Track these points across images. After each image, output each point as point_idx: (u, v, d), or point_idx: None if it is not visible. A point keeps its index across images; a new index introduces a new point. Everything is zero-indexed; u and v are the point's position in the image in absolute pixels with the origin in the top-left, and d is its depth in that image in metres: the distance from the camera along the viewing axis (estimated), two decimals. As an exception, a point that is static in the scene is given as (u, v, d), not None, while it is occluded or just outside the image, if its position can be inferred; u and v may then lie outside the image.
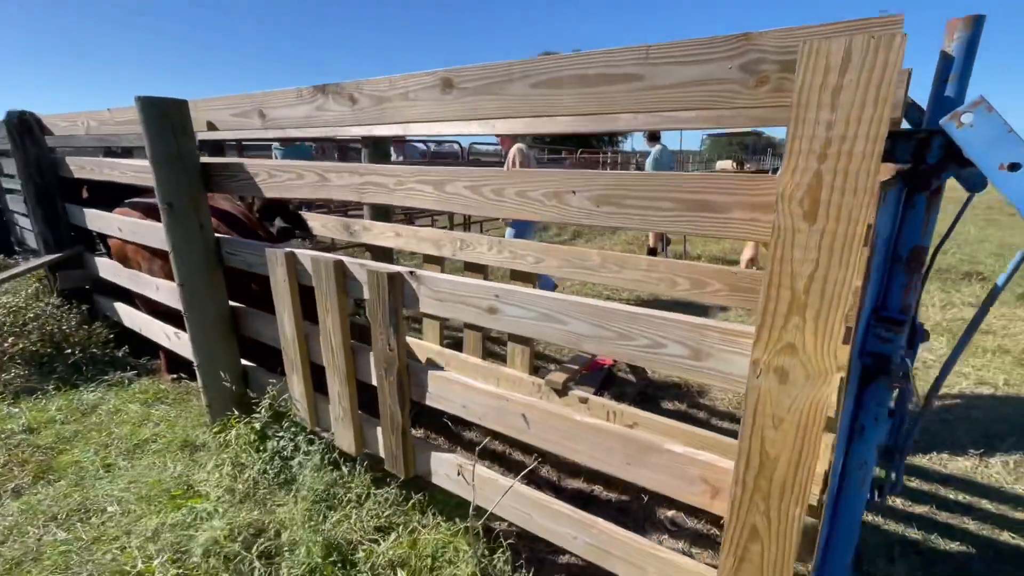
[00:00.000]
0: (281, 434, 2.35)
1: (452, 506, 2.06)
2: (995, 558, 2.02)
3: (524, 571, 1.89)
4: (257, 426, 2.39)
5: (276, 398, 2.40)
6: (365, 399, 2.12)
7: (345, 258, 1.96)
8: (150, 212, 2.94)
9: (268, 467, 2.26)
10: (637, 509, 2.32)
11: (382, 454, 2.11)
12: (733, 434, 2.00)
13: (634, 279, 2.15)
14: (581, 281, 3.60)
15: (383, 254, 3.53)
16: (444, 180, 1.61)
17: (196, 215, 2.36)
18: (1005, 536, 2.13)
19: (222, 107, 2.23)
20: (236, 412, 2.52)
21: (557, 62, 1.28)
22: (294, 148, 8.18)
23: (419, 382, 1.90)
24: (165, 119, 2.20)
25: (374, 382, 2.03)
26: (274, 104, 1.97)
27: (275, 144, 7.97)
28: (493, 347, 4.16)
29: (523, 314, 1.52)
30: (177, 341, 2.98)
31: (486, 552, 1.84)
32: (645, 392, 3.43)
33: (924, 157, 1.00)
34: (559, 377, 2.64)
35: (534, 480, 2.46)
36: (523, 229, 4.47)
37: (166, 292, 2.84)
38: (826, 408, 0.98)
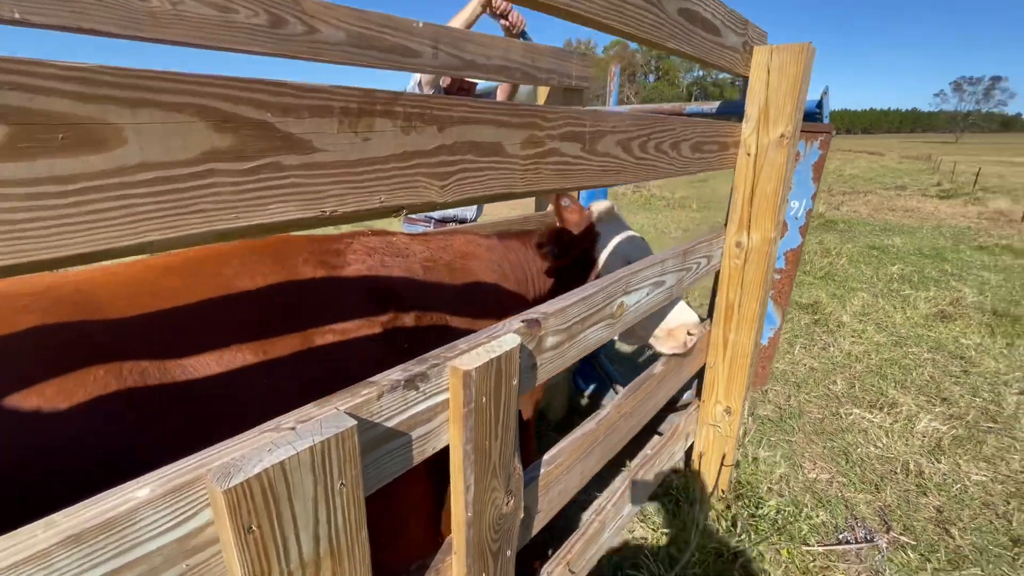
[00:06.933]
0: None
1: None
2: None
3: None
4: None
5: None
6: None
7: (342, 405, 0.63)
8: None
9: None
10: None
11: None
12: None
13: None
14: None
15: None
16: (596, 133, 0.92)
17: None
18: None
19: None
20: None
21: None
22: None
23: (530, 511, 1.05)
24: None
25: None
26: None
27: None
28: None
29: (639, 296, 1.30)
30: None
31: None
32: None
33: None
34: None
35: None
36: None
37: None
38: (775, 250, 1.80)
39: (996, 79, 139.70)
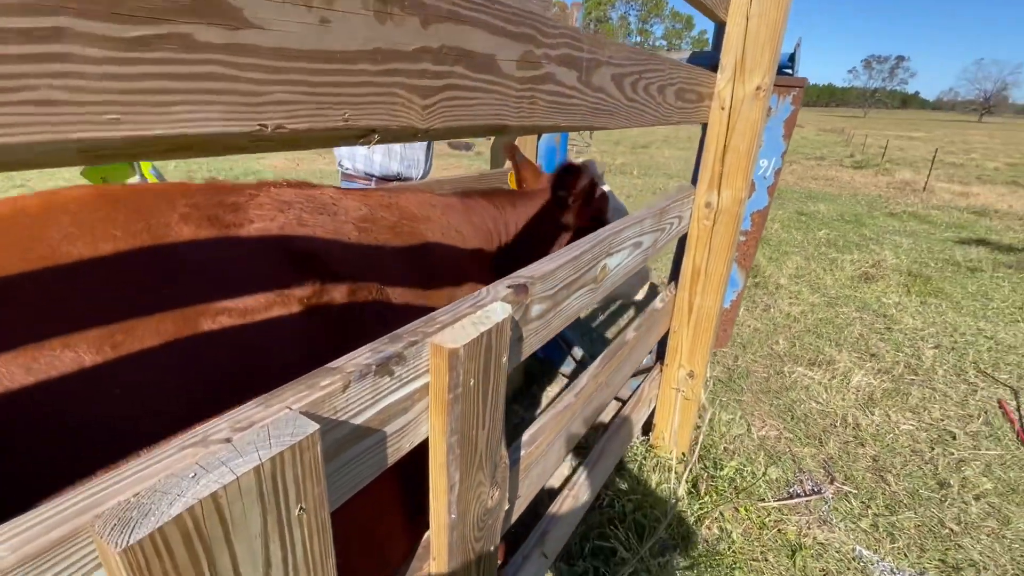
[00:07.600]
0: None
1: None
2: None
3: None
4: None
5: None
6: None
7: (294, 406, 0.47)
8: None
9: None
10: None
11: None
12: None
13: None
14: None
15: None
16: (592, 62, 0.77)
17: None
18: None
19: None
20: None
21: None
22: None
23: (511, 499, 0.94)
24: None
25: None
26: None
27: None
28: None
29: (621, 258, 1.19)
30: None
31: None
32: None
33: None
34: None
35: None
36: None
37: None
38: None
39: (900, 58, 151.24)
